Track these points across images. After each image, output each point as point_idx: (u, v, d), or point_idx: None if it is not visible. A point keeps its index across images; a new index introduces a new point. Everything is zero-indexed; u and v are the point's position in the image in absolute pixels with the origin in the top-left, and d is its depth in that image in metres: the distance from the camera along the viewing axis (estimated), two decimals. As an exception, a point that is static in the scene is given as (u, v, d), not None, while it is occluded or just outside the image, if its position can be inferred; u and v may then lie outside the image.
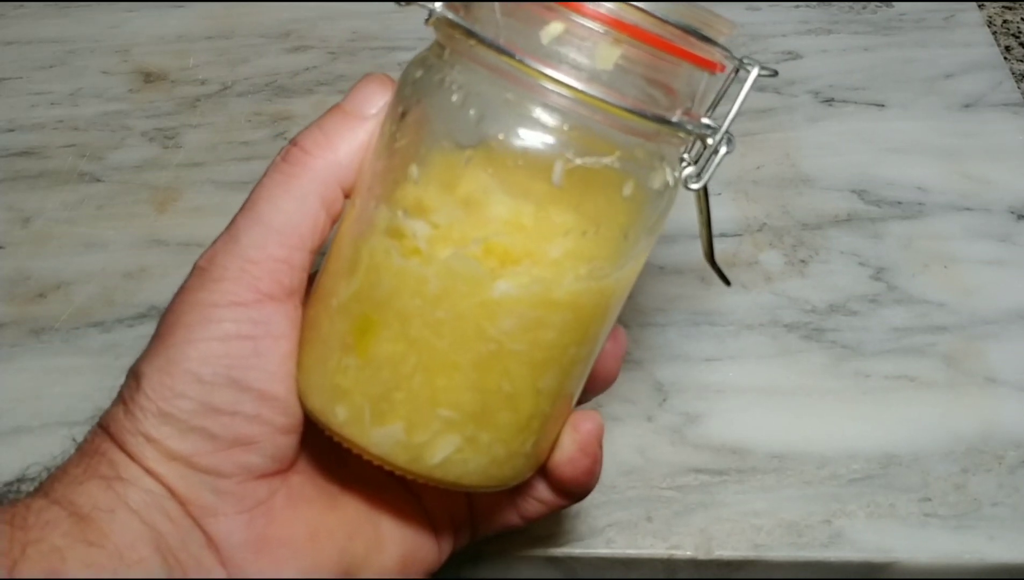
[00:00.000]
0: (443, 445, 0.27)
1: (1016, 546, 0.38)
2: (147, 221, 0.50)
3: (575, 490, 0.32)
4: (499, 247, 0.26)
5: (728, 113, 0.27)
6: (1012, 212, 0.49)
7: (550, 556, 0.38)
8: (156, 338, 0.28)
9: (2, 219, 0.51)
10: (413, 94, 0.28)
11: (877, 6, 0.61)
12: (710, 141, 0.28)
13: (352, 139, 0.29)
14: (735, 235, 0.49)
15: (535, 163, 0.26)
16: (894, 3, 0.61)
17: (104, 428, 0.28)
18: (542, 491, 0.32)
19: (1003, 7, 0.63)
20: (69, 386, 0.43)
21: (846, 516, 0.39)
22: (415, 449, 0.27)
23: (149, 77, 0.58)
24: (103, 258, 0.49)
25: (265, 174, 0.29)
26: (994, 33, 0.60)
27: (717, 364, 0.44)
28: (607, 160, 0.26)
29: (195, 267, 0.29)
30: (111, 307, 0.47)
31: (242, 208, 0.29)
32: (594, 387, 0.32)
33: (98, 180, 0.52)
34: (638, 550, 0.38)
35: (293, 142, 0.29)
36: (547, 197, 0.26)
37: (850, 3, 0.61)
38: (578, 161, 0.26)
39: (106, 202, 0.51)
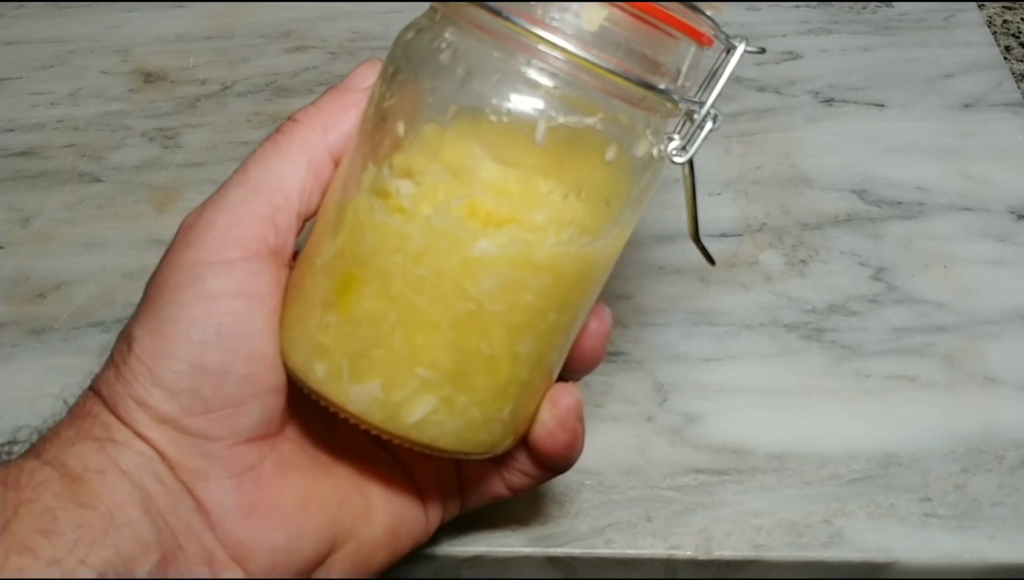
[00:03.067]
0: (420, 405, 0.28)
1: (1016, 546, 0.38)
2: (147, 221, 0.50)
3: (556, 464, 0.32)
4: (482, 208, 0.26)
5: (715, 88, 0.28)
6: (1012, 212, 0.49)
7: (550, 556, 0.38)
8: (145, 301, 0.29)
9: (2, 219, 0.51)
10: (404, 54, 0.28)
11: (877, 6, 0.61)
12: (696, 116, 0.28)
13: (342, 110, 0.30)
14: (735, 235, 0.49)
15: (519, 121, 0.26)
16: (894, 3, 0.61)
17: (96, 391, 0.29)
18: (525, 463, 0.32)
19: (1003, 7, 0.63)
20: (69, 386, 0.43)
21: (846, 516, 0.39)
22: (392, 407, 0.27)
23: (149, 77, 0.58)
24: (103, 258, 0.49)
25: (259, 144, 0.30)
26: (994, 33, 0.60)
27: (717, 364, 0.44)
28: (590, 120, 0.26)
29: (181, 226, 0.29)
30: (111, 307, 0.46)
31: (232, 174, 0.30)
32: (579, 366, 0.32)
33: (98, 180, 0.52)
34: (638, 550, 0.38)
35: (288, 117, 0.30)
36: (529, 157, 0.26)
37: (850, 3, 0.61)
38: (561, 120, 0.26)
39: (106, 202, 0.51)
